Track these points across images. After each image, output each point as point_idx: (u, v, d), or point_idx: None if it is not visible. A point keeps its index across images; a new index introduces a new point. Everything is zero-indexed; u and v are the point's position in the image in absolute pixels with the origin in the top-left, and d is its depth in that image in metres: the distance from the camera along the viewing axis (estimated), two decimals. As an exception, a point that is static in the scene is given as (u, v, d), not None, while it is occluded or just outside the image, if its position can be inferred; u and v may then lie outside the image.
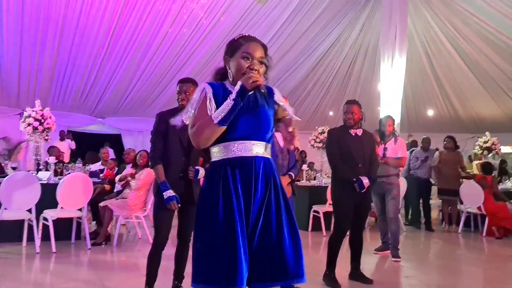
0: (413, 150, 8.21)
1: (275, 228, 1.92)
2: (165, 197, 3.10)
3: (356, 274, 4.34)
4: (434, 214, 8.79)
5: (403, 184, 7.57)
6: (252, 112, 1.95)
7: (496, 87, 12.30)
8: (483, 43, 10.85)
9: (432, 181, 8.11)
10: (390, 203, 5.43)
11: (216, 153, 1.96)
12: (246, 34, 2.06)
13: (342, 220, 4.17)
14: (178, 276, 3.38)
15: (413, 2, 10.59)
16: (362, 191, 4.06)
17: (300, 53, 11.69)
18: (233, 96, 1.85)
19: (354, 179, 4.06)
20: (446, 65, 12.13)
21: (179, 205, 3.14)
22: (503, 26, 9.97)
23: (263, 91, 1.97)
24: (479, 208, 7.29)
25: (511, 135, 12.71)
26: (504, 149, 13.84)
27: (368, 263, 5.08)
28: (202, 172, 3.20)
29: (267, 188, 1.94)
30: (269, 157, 2.00)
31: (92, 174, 6.77)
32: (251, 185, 1.91)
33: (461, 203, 7.61)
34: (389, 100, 9.50)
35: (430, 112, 13.61)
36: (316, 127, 9.84)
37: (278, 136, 3.72)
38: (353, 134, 4.19)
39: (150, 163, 3.38)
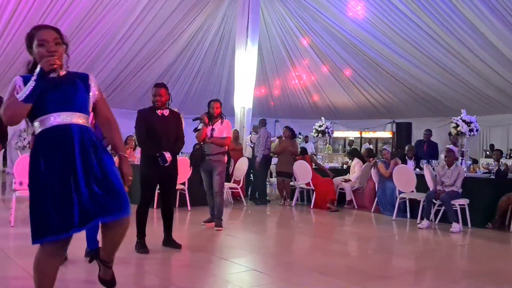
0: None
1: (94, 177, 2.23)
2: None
3: (167, 240, 4.78)
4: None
5: (244, 163, 8.29)
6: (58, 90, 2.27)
7: (347, 81, 13.70)
8: (332, 39, 12.04)
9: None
10: (216, 179, 5.95)
11: (37, 126, 2.27)
12: (37, 25, 2.36)
13: (145, 191, 4.60)
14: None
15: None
16: (165, 164, 4.52)
17: (165, 38, 11.89)
18: (34, 78, 2.17)
19: (158, 154, 4.50)
20: (302, 57, 13.23)
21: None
22: (347, 24, 11.17)
23: (62, 72, 2.31)
24: (307, 183, 8.26)
25: (359, 121, 14.30)
26: (353, 133, 15.57)
27: (194, 233, 5.63)
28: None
29: (84, 149, 2.24)
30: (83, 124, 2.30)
31: None
32: (68, 147, 2.22)
33: (295, 180, 8.55)
34: (243, 86, 10.19)
35: (292, 100, 14.75)
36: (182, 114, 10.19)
37: None
38: (160, 114, 4.63)
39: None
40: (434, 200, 6.36)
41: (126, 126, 10.93)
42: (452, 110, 12.59)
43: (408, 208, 7.08)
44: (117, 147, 2.48)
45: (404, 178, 6.90)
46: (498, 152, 7.69)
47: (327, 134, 9.49)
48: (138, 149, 7.89)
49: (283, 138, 8.91)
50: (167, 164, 4.53)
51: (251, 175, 9.15)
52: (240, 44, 10.34)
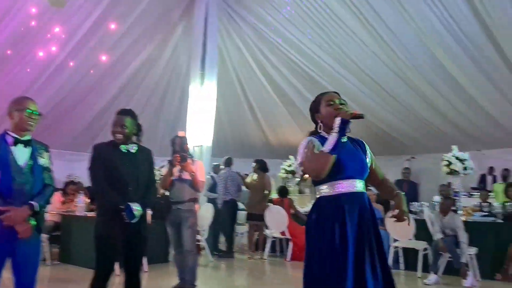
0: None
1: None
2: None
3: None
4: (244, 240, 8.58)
5: (209, 210, 7.10)
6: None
7: (301, 115, 13.02)
8: (289, 72, 11.36)
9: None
10: (187, 233, 4.79)
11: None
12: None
13: (103, 260, 3.28)
14: None
15: (225, 27, 10.57)
16: (133, 221, 3.27)
17: (108, 69, 10.60)
18: (335, 130, 2.31)
19: (122, 206, 3.25)
20: (257, 92, 12.41)
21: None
22: (306, 57, 10.55)
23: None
24: (282, 233, 7.20)
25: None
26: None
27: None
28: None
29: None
30: None
31: None
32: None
33: (267, 227, 7.46)
34: (200, 123, 9.12)
35: (244, 137, 13.81)
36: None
37: None
38: (125, 151, 3.41)
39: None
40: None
41: (63, 169, 9.52)
42: (407, 147, 12.32)
43: (402, 259, 6.21)
44: None
45: (400, 224, 6.00)
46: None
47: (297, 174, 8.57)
48: (81, 197, 6.48)
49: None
50: (135, 220, 3.29)
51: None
52: (195, 78, 9.37)
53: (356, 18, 8.90)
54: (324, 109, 2.46)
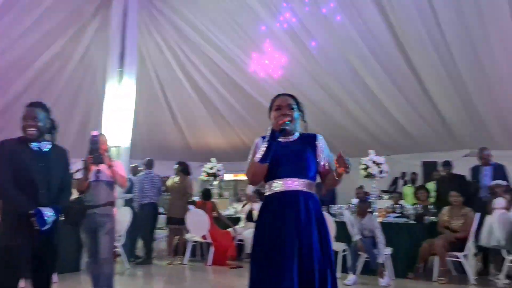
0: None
1: None
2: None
3: None
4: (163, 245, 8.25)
5: (127, 214, 6.71)
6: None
7: (222, 119, 12.92)
8: (211, 74, 11.20)
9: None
10: (104, 240, 4.43)
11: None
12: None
13: (7, 276, 2.87)
14: None
15: (144, 22, 10.15)
16: (44, 228, 2.91)
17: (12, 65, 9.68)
18: (266, 138, 2.44)
19: (32, 212, 2.88)
20: (178, 93, 12.09)
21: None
22: (229, 60, 10.45)
23: (289, 130, 2.52)
24: (203, 236, 7.02)
25: (235, 163, 13.51)
26: (227, 176, 14.75)
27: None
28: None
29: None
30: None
31: None
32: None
33: (187, 231, 7.23)
34: (118, 122, 8.62)
35: (162, 139, 13.39)
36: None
37: None
38: (36, 149, 3.04)
39: None
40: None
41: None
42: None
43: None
44: None
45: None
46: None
47: (218, 177, 8.42)
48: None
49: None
50: (47, 227, 2.93)
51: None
52: (113, 75, 8.85)
53: (280, 25, 9.01)
54: (273, 112, 2.59)
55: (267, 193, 2.53)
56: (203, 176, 8.38)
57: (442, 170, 7.13)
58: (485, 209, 5.78)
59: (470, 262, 5.66)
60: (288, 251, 2.31)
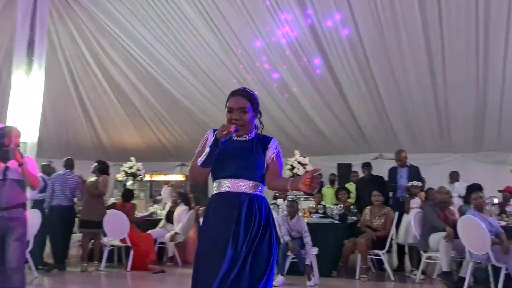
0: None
1: None
2: None
3: None
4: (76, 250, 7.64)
5: (37, 217, 6.08)
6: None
7: (139, 116, 12.36)
8: (129, 69, 10.65)
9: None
10: (13, 247, 3.95)
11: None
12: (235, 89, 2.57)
13: None
14: None
15: (58, 11, 9.36)
16: None
17: None
18: (210, 144, 2.33)
19: None
20: (91, 87, 11.32)
21: None
22: (149, 55, 10.00)
23: (233, 137, 2.40)
24: (123, 240, 6.60)
25: (151, 163, 13.03)
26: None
27: None
28: None
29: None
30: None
31: None
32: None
33: (105, 235, 6.75)
34: (24, 117, 7.83)
35: (72, 136, 12.49)
36: None
37: None
38: None
39: None
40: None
41: None
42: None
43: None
44: None
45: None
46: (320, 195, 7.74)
47: (139, 177, 7.97)
48: None
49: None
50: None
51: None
52: (20, 64, 8.02)
53: (204, 21, 8.78)
54: (226, 113, 2.49)
55: (214, 192, 2.46)
56: (121, 176, 7.88)
57: (363, 171, 7.42)
58: (402, 209, 6.10)
59: (389, 259, 5.94)
60: (221, 254, 2.25)
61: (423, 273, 5.83)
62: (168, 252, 7.03)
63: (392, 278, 5.82)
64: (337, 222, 6.29)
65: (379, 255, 5.89)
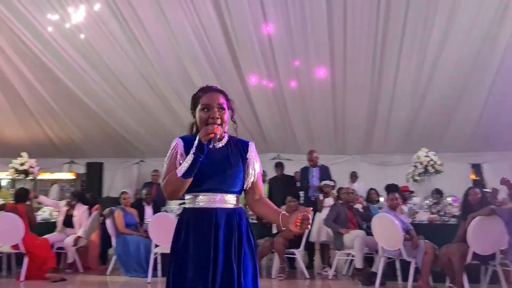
0: None
1: None
2: None
3: None
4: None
5: None
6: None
7: (24, 109, 11.13)
8: (18, 56, 9.51)
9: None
10: None
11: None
12: (205, 86, 2.23)
13: None
14: None
15: None
16: None
17: None
18: (193, 150, 1.99)
19: None
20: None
21: None
22: (44, 43, 9.03)
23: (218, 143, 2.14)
24: (15, 246, 5.85)
25: (39, 160, 11.81)
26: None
27: None
28: None
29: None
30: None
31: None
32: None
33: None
34: None
35: None
36: None
37: None
38: None
39: None
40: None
41: None
42: (138, 151, 12.33)
43: (160, 266, 5.95)
44: None
45: (163, 227, 5.66)
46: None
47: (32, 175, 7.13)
48: None
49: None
50: None
51: None
52: None
53: (111, 12, 8.21)
54: (198, 112, 2.15)
55: (188, 206, 2.14)
56: (10, 174, 7.00)
57: (275, 171, 7.54)
58: (315, 207, 6.32)
59: (302, 257, 6.11)
60: (204, 269, 2.04)
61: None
62: (68, 258, 6.41)
63: (307, 276, 6.00)
64: (255, 221, 6.30)
65: (294, 254, 6.03)
